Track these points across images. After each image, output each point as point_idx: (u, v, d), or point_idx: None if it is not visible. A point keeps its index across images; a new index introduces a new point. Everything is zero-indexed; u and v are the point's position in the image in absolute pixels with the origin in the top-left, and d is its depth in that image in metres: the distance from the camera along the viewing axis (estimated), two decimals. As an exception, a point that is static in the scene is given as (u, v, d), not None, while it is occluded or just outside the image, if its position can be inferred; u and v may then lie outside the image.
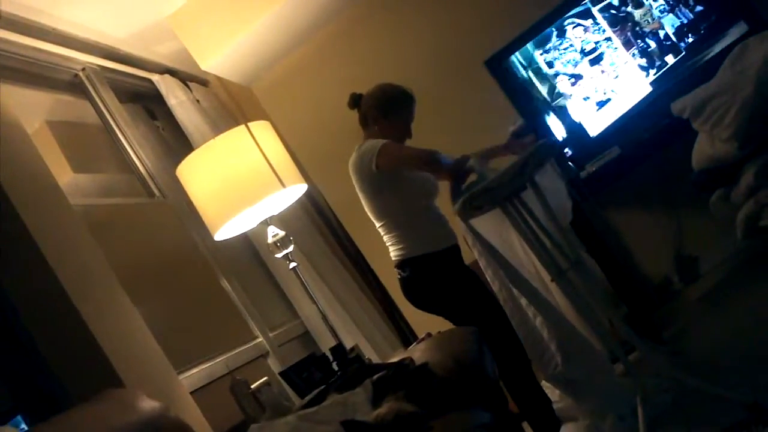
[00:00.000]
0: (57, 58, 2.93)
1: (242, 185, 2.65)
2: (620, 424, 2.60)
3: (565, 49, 3.80)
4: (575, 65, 3.81)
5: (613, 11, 3.77)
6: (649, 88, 3.74)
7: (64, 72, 3.01)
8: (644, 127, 3.68)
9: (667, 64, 3.73)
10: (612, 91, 3.77)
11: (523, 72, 3.82)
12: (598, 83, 3.77)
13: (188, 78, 3.86)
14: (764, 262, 3.41)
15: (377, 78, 2.91)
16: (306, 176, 3.40)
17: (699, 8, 3.67)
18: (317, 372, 2.21)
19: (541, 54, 3.80)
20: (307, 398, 2.05)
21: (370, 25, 4.15)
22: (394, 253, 2.72)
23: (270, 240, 2.82)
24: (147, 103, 3.71)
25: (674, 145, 3.50)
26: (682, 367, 2.74)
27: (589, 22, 3.77)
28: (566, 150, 3.82)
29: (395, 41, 4.12)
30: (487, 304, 2.70)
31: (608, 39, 3.77)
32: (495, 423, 1.83)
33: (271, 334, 3.24)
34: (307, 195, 3.60)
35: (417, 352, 2.20)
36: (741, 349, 2.74)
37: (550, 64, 3.81)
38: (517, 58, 3.82)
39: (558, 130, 3.83)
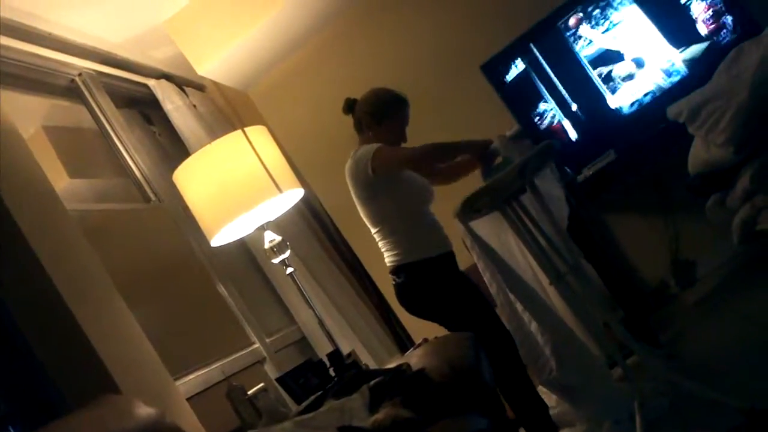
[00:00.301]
0: (53, 63, 2.93)
1: (239, 190, 2.65)
2: (617, 429, 2.60)
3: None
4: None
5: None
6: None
7: (61, 77, 3.01)
8: (640, 131, 3.68)
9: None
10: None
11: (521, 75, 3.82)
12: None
13: (185, 83, 3.86)
14: (761, 266, 3.41)
15: (373, 82, 2.92)
16: (303, 181, 3.40)
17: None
18: (314, 378, 2.21)
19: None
20: (304, 404, 2.04)
21: (366, 30, 4.15)
22: (388, 259, 2.72)
23: (267, 245, 2.82)
24: (143, 108, 3.70)
25: (670, 149, 3.51)
26: (679, 371, 2.74)
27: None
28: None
29: (391, 45, 4.13)
30: (482, 310, 2.69)
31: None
32: (492, 429, 1.83)
33: (267, 340, 3.23)
34: (304, 200, 3.60)
35: (414, 358, 2.20)
36: (738, 353, 2.74)
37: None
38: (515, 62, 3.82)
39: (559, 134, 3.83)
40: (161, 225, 3.14)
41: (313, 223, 4.09)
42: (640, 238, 4.01)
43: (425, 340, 2.68)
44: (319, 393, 2.06)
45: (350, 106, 2.86)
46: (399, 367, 2.04)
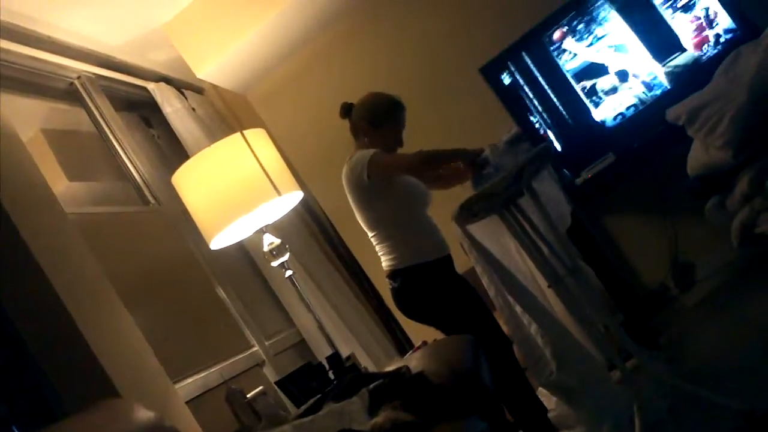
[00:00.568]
0: (52, 67, 2.93)
1: (238, 193, 2.65)
2: (616, 432, 2.60)
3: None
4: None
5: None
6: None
7: (60, 80, 3.01)
8: (639, 134, 3.68)
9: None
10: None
11: (519, 79, 3.82)
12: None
13: (183, 86, 3.87)
14: (760, 269, 3.41)
15: (372, 86, 2.92)
16: (302, 184, 3.40)
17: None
18: (313, 381, 2.20)
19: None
20: (303, 407, 2.04)
21: (364, 34, 4.16)
22: (385, 263, 2.72)
23: (266, 248, 2.81)
24: (142, 111, 3.70)
25: (669, 152, 3.51)
26: (678, 373, 2.74)
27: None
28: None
29: (389, 49, 4.13)
30: (479, 314, 2.68)
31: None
32: (491, 432, 1.83)
33: (267, 343, 3.23)
34: (303, 203, 3.60)
35: (413, 361, 2.20)
36: (737, 356, 2.74)
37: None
38: (513, 65, 3.83)
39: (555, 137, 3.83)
40: (160, 228, 3.14)
41: (312, 226, 4.09)
42: (640, 241, 4.01)
43: (424, 343, 2.68)
44: (319, 396, 2.06)
45: (347, 110, 2.84)
46: (398, 370, 2.04)
